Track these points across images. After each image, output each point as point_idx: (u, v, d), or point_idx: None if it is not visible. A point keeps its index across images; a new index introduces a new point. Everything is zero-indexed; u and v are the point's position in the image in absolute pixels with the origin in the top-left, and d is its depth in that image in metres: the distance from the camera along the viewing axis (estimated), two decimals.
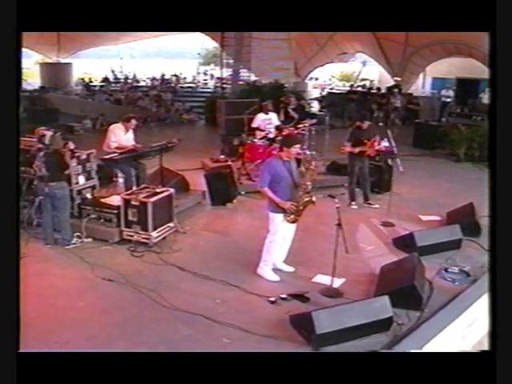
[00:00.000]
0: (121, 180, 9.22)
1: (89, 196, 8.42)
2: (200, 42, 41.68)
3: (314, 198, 6.37)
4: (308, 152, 11.72)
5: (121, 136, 8.97)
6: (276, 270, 6.82)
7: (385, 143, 9.60)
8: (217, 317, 5.65)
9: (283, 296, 6.13)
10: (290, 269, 6.92)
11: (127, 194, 7.69)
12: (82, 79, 35.66)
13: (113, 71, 38.51)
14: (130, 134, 9.18)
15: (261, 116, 11.73)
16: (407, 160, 13.52)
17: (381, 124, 9.93)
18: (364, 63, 29.05)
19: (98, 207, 7.95)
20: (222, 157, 12.70)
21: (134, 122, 9.10)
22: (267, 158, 10.49)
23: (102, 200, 8.14)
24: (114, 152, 8.64)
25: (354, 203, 9.82)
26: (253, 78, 21.84)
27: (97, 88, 31.93)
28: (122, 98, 26.37)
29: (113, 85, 34.10)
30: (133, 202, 7.51)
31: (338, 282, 6.51)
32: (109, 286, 6.47)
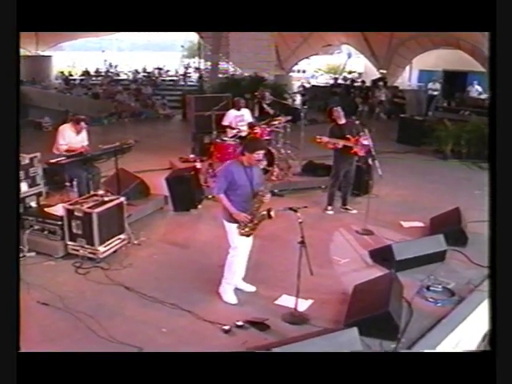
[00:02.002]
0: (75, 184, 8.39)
1: (33, 205, 7.57)
2: (184, 35, 40.72)
3: (272, 213, 5.53)
4: (283, 151, 11.01)
5: (71, 138, 8.08)
6: (235, 290, 6.03)
7: (365, 141, 8.75)
8: (159, 350, 4.81)
9: (239, 323, 5.33)
10: (251, 288, 6.12)
11: (70, 204, 6.83)
12: (62, 73, 34.65)
13: (110, 64, 37.59)
14: (83, 136, 8.28)
15: (232, 112, 10.89)
16: (390, 158, 12.88)
17: (357, 122, 8.93)
18: (349, 55, 28.28)
19: (42, 217, 7.09)
20: (192, 156, 11.91)
21: (83, 124, 8.20)
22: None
23: (46, 209, 7.28)
24: (64, 155, 7.77)
25: (330, 208, 9.03)
26: (231, 69, 20.94)
27: (77, 82, 31.01)
28: (100, 92, 25.46)
29: (93, 78, 33.17)
30: (76, 213, 6.66)
31: (304, 305, 5.74)
32: (43, 312, 5.64)
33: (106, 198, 6.96)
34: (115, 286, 6.22)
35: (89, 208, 6.65)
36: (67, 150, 7.87)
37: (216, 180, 5.83)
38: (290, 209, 5.46)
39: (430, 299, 5.94)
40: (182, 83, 30.01)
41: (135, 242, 7.42)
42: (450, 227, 7.53)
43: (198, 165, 10.64)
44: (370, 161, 8.65)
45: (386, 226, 8.27)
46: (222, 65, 20.81)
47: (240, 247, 5.75)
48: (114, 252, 7.05)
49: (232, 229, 5.67)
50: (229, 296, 5.94)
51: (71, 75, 34.36)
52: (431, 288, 6.14)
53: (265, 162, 9.98)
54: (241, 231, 5.60)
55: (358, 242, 7.72)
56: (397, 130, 16.20)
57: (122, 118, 19.98)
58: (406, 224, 8.43)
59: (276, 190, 9.95)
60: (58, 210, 7.10)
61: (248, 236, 5.69)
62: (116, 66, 37.71)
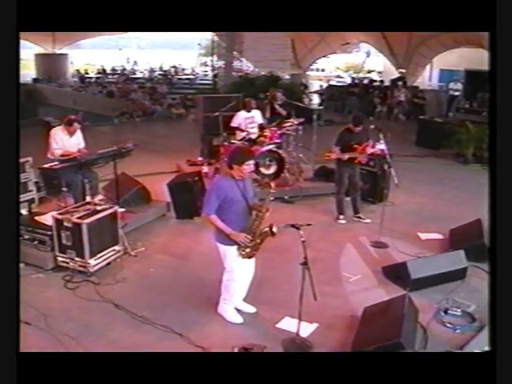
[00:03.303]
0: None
1: (24, 212, 7.14)
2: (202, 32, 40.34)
3: (274, 229, 4.99)
4: (294, 154, 10.48)
5: (64, 141, 7.62)
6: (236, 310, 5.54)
7: (381, 146, 8.15)
8: None
9: (234, 351, 4.81)
10: (251, 309, 5.60)
11: (60, 213, 6.36)
12: (78, 71, 34.52)
13: (135, 63, 37.61)
14: (77, 138, 7.83)
15: (242, 114, 10.37)
16: (408, 162, 12.32)
17: (372, 126, 8.27)
18: (368, 54, 27.65)
19: (31, 226, 6.64)
20: (200, 159, 11.41)
21: (76, 125, 7.75)
22: None
23: (37, 218, 6.83)
24: (59, 160, 7.33)
25: (341, 217, 8.47)
26: (245, 67, 20.43)
27: (93, 80, 30.84)
28: (114, 91, 25.15)
29: (109, 76, 32.98)
30: (65, 224, 6.19)
31: (308, 329, 5.21)
32: (23, 332, 5.13)
33: (99, 208, 6.49)
34: (104, 304, 5.75)
35: (79, 218, 6.18)
36: (62, 155, 7.42)
37: (205, 198, 5.17)
38: (293, 226, 4.87)
39: (448, 324, 5.36)
40: (199, 82, 29.64)
41: (132, 253, 6.96)
42: (471, 241, 6.95)
43: (205, 168, 10.17)
44: (385, 167, 8.08)
45: (402, 238, 7.70)
46: (236, 63, 20.32)
47: (237, 270, 5.22)
48: (108, 264, 6.61)
49: (229, 252, 5.14)
50: (231, 315, 5.46)
51: (87, 73, 34.23)
52: (449, 311, 5.55)
53: (274, 168, 9.53)
54: (242, 253, 5.07)
55: (371, 256, 7.17)
56: (416, 132, 15.59)
57: (133, 118, 19.59)
58: (423, 236, 7.84)
59: (286, 197, 9.46)
60: (49, 218, 6.65)
61: (250, 258, 5.17)
62: (135, 63, 37.72)
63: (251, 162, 4.98)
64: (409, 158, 12.85)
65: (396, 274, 6.27)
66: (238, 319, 5.42)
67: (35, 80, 29.78)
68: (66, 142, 7.63)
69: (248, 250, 5.06)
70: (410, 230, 8.01)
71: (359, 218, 8.51)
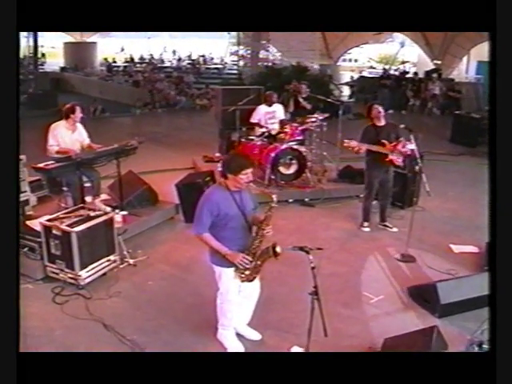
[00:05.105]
0: None
1: None
2: None
3: (278, 249, 4.30)
4: (318, 152, 9.78)
5: (65, 137, 6.97)
6: (238, 337, 4.88)
7: (411, 146, 7.33)
8: None
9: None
10: (255, 336, 4.93)
11: (49, 220, 5.76)
12: (106, 59, 34.23)
13: (174, 52, 37.46)
14: (80, 134, 7.18)
15: (262, 108, 9.68)
16: (441, 160, 11.55)
17: (402, 126, 7.41)
18: (402, 44, 26.54)
19: (21, 232, 6.04)
20: (218, 155, 10.75)
21: (78, 110, 7.08)
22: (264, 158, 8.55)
23: (28, 223, 6.27)
24: (55, 158, 6.73)
25: (366, 224, 7.72)
26: (272, 57, 19.68)
27: (120, 69, 30.53)
28: (140, 80, 24.69)
29: (137, 65, 32.60)
30: (54, 231, 5.60)
31: None
32: None
33: (93, 214, 5.87)
34: (93, 323, 5.15)
35: (69, 225, 5.57)
36: (58, 152, 6.81)
37: (196, 215, 4.46)
38: (301, 249, 4.14)
39: None
40: (226, 72, 29.02)
41: (131, 262, 6.35)
42: None
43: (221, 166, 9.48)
44: (416, 168, 7.27)
45: (432, 250, 6.94)
46: (263, 53, 19.59)
47: (232, 292, 4.56)
48: (104, 275, 6.01)
49: (224, 274, 4.49)
50: (230, 343, 4.81)
51: (115, 62, 33.93)
52: (484, 346, 4.77)
53: (294, 168, 8.82)
54: (240, 276, 4.40)
55: (396, 273, 6.39)
56: (450, 128, 14.70)
57: (155, 109, 19.04)
58: (456, 248, 7.05)
59: (306, 199, 8.77)
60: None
61: (250, 281, 4.49)
62: (174, 52, 37.47)
63: (249, 170, 4.27)
64: (442, 157, 12.04)
65: (424, 296, 5.53)
66: (238, 347, 4.76)
67: (62, 69, 29.57)
68: (67, 138, 6.99)
69: (247, 273, 4.38)
70: (441, 241, 7.24)
71: (385, 226, 7.74)
